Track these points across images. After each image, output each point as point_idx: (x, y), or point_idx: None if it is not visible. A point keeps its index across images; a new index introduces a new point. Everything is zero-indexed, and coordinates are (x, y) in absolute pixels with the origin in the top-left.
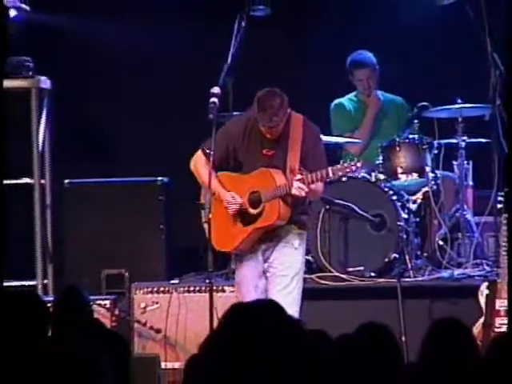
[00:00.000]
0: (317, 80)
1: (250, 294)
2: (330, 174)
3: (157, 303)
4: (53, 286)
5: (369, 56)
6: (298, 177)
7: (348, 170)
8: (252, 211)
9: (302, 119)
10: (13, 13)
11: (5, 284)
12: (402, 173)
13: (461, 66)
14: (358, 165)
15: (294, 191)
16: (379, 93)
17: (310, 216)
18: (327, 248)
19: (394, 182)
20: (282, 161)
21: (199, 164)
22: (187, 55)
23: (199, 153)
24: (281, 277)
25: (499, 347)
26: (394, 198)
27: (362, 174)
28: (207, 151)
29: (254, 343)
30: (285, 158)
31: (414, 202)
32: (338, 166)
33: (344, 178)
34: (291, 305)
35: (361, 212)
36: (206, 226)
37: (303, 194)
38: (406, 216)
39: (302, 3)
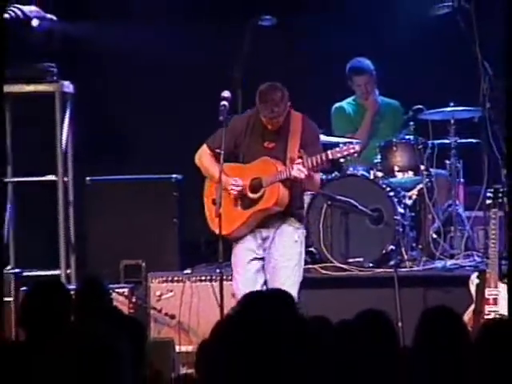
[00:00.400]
0: (318, 82)
1: (244, 276)
2: (330, 156)
3: (171, 291)
4: (75, 275)
5: (367, 63)
6: (298, 160)
7: (346, 153)
8: (253, 196)
9: (301, 116)
10: (35, 22)
11: (31, 273)
12: (398, 171)
13: (453, 72)
14: (357, 148)
15: (294, 173)
16: (376, 96)
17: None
18: (329, 240)
19: (391, 180)
20: (282, 152)
21: (204, 157)
22: (199, 57)
23: (204, 147)
24: (283, 269)
25: (489, 333)
26: (391, 194)
27: (361, 172)
28: (217, 150)
29: (259, 331)
30: (285, 150)
31: (410, 197)
32: (337, 148)
33: (345, 174)
34: (293, 294)
35: (360, 207)
36: (214, 220)
37: (303, 176)
38: (402, 211)
39: (305, 10)
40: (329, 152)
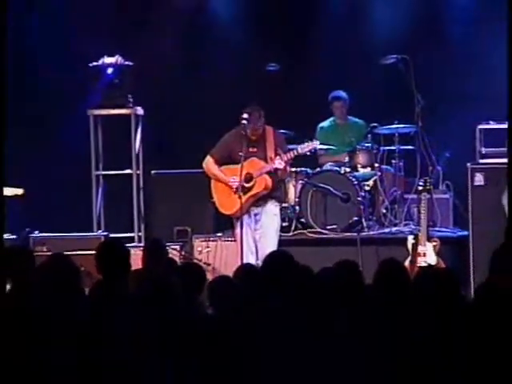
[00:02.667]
0: (309, 108)
1: (245, 245)
2: (300, 151)
3: (208, 247)
4: (144, 237)
5: (342, 93)
6: (278, 156)
7: (310, 148)
8: (247, 185)
9: (272, 128)
10: (110, 70)
11: (114, 235)
12: (360, 167)
13: (397, 101)
14: (316, 143)
15: (277, 165)
16: (348, 117)
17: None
18: (314, 214)
19: (356, 173)
20: (262, 154)
21: (210, 165)
22: (229, 88)
23: (208, 157)
24: (271, 238)
25: (421, 277)
26: (356, 183)
27: (336, 168)
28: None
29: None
30: (264, 152)
31: (368, 185)
32: (304, 145)
33: (324, 168)
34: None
35: (334, 191)
36: (223, 205)
37: (282, 166)
38: (363, 194)
39: (303, 59)
40: (298, 148)
